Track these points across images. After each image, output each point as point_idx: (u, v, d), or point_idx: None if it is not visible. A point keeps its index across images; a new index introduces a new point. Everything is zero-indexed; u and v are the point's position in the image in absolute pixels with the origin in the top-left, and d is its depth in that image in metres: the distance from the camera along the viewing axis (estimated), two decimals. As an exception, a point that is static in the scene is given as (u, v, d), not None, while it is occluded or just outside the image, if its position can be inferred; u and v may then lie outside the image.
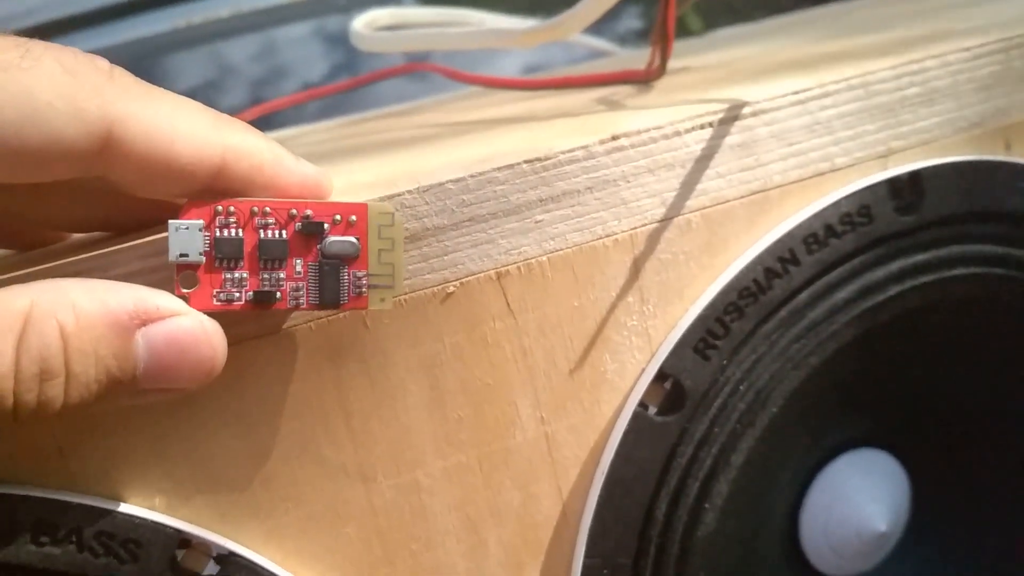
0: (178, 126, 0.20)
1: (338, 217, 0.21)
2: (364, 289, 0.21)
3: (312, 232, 0.21)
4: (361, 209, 0.21)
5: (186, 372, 0.19)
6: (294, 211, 0.21)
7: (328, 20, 1.09)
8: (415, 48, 0.40)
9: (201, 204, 0.20)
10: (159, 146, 0.19)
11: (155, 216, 0.23)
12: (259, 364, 0.23)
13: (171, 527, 0.22)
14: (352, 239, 0.21)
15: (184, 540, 0.22)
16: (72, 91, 0.18)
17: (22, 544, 0.21)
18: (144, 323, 0.19)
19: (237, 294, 0.21)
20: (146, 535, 0.22)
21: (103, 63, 0.19)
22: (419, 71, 0.53)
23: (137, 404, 0.20)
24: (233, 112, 0.23)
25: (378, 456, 0.24)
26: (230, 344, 0.22)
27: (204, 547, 0.23)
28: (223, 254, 0.20)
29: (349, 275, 0.21)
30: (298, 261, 0.21)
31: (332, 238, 0.21)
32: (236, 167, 0.20)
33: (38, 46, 0.19)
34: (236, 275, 0.21)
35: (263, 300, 0.21)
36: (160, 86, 0.20)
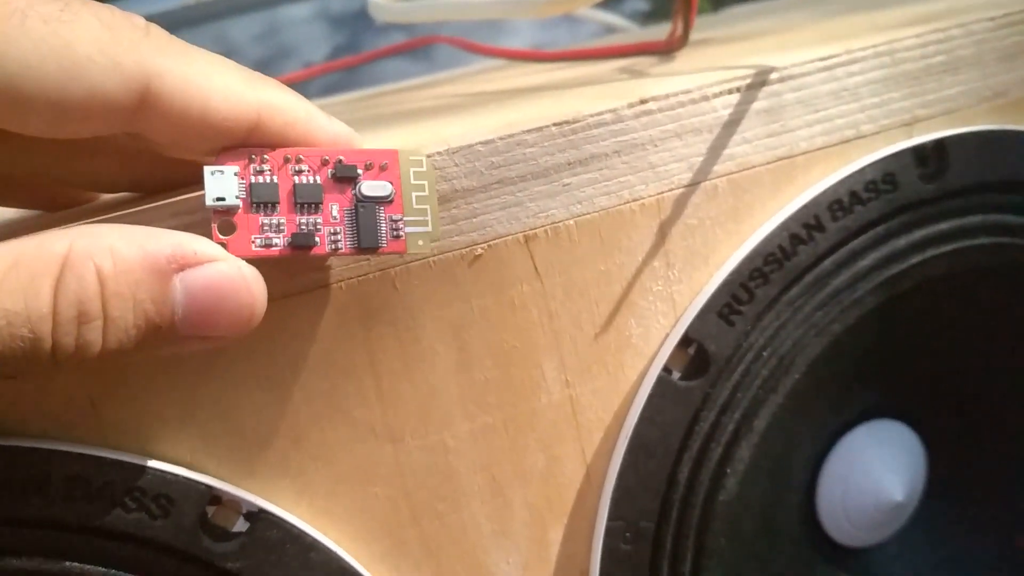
0: (214, 82, 0.20)
1: (370, 163, 0.21)
2: (402, 232, 0.21)
3: (346, 176, 0.21)
4: (392, 155, 0.21)
5: (225, 319, 0.19)
6: (326, 158, 0.21)
7: (332, 0, 1.08)
8: (432, 18, 0.40)
9: (235, 151, 0.20)
10: (195, 101, 0.19)
11: (186, 178, 0.23)
12: (290, 324, 0.23)
13: (202, 483, 0.22)
14: (386, 183, 0.21)
15: (215, 496, 0.23)
16: (111, 46, 0.18)
17: (55, 499, 0.21)
18: (182, 268, 0.19)
19: (275, 239, 0.21)
20: (177, 491, 0.22)
21: (139, 20, 0.19)
22: (432, 48, 0.53)
23: (177, 352, 0.20)
24: None
25: (406, 417, 0.24)
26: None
27: (234, 504, 0.23)
28: (259, 198, 0.20)
29: (386, 219, 0.21)
30: (334, 206, 0.21)
31: (367, 182, 0.21)
32: (270, 123, 0.20)
33: (76, 1, 0.19)
34: (273, 220, 0.21)
35: (302, 243, 0.21)
36: None
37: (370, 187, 0.21)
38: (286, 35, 1.05)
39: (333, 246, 0.21)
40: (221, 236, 0.20)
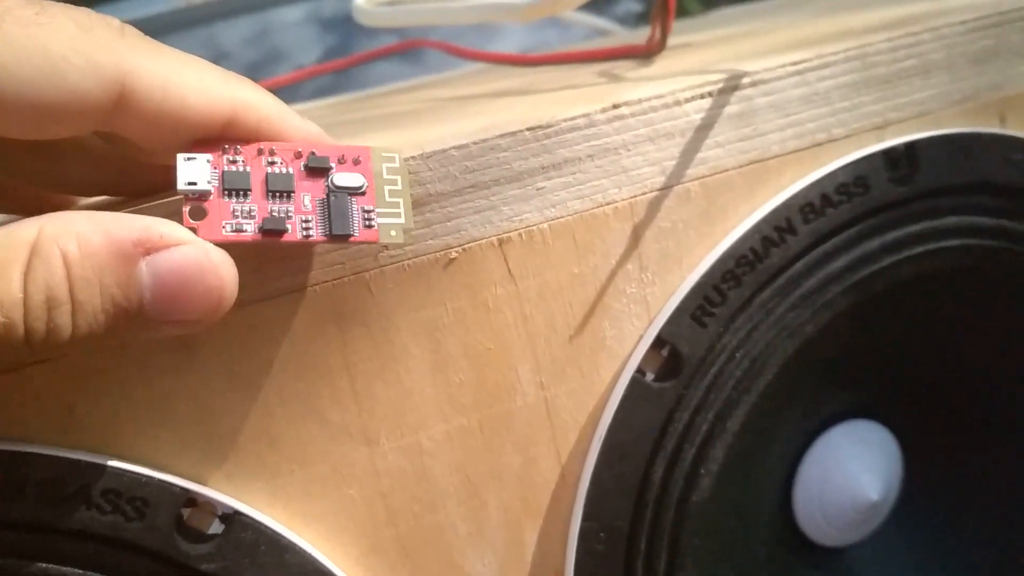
0: (189, 79, 0.20)
1: (343, 157, 0.22)
2: (374, 222, 0.22)
3: (318, 167, 0.21)
4: (365, 151, 0.22)
5: (194, 303, 0.19)
6: (300, 151, 0.21)
7: (322, 3, 1.09)
8: (417, 23, 0.40)
9: (208, 142, 0.21)
10: (171, 99, 0.20)
11: (163, 182, 0.23)
12: (266, 326, 0.23)
13: (178, 486, 0.23)
14: (359, 174, 0.22)
15: (190, 499, 0.23)
16: (87, 46, 0.19)
17: (30, 501, 0.21)
18: (148, 252, 0.19)
19: (247, 225, 0.21)
20: (153, 493, 0.22)
21: (114, 21, 0.20)
22: (420, 51, 0.53)
23: (149, 338, 0.20)
24: None
25: (381, 419, 0.24)
26: (237, 306, 0.22)
27: (210, 506, 0.23)
28: (231, 185, 0.21)
29: (358, 209, 0.21)
30: (306, 196, 0.21)
31: (339, 173, 0.21)
32: (244, 119, 0.21)
33: (51, 4, 0.19)
34: (245, 206, 0.21)
35: (272, 229, 0.21)
36: None
37: (343, 178, 0.21)
38: (277, 38, 1.05)
39: (305, 233, 0.21)
40: (192, 221, 0.20)
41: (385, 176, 0.22)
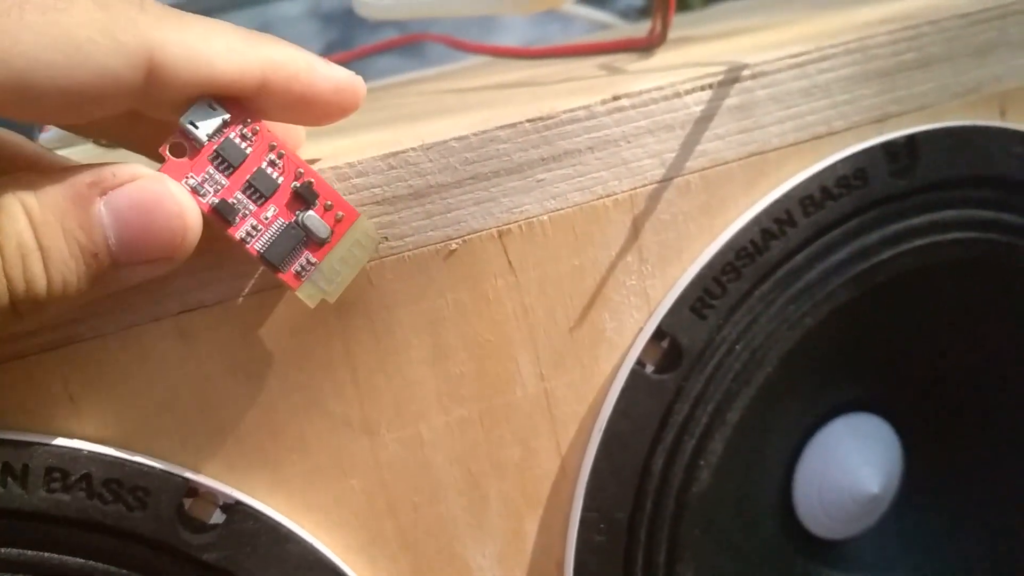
0: (215, 45, 0.20)
1: (330, 204, 0.22)
2: (306, 275, 0.22)
3: (304, 197, 0.21)
4: (353, 214, 0.22)
5: (157, 234, 0.19)
6: (301, 171, 0.21)
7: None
8: (417, 15, 0.40)
9: (238, 104, 0.21)
10: (200, 67, 0.20)
11: None
12: (267, 317, 0.23)
13: (179, 476, 0.23)
14: (328, 228, 0.22)
15: (192, 489, 0.23)
16: (109, 24, 0.19)
17: (33, 490, 0.22)
18: (104, 191, 0.19)
19: (207, 192, 0.21)
20: (155, 483, 0.22)
21: None
22: (421, 45, 0.53)
23: (125, 284, 0.20)
24: None
25: (382, 410, 0.25)
26: (238, 297, 0.22)
27: (211, 496, 0.23)
28: (223, 152, 0.21)
29: (304, 254, 0.22)
30: (273, 208, 0.21)
31: (313, 214, 0.21)
32: (275, 78, 0.21)
33: None
34: (218, 177, 0.21)
35: (223, 212, 0.21)
36: None
37: (313, 220, 0.21)
38: (277, 32, 1.05)
39: (245, 235, 0.21)
40: (168, 153, 0.20)
41: (350, 247, 0.22)
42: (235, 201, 0.21)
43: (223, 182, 0.21)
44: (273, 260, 0.21)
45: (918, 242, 0.28)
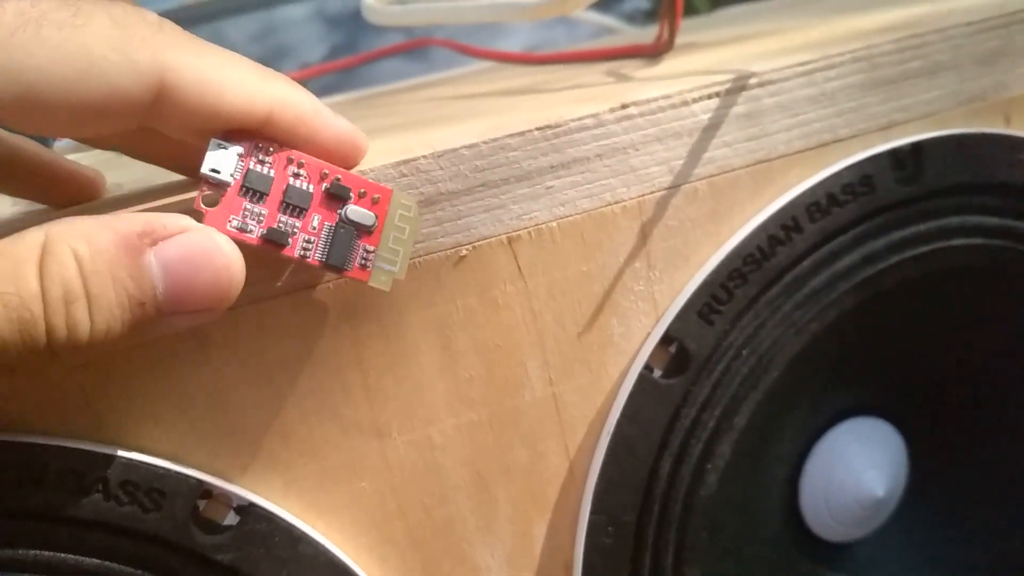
0: (228, 76, 0.20)
1: (364, 191, 0.22)
2: (370, 264, 0.22)
3: (338, 195, 0.22)
4: (387, 192, 0.22)
5: (204, 286, 0.20)
6: (326, 171, 0.22)
7: (328, 1, 1.09)
8: (426, 22, 0.41)
9: (244, 135, 0.21)
10: (209, 95, 0.20)
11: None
12: (280, 322, 0.23)
13: (194, 478, 0.23)
14: (372, 214, 0.22)
15: (206, 491, 0.23)
16: (124, 43, 0.19)
17: (50, 492, 0.22)
18: (155, 242, 0.19)
19: (252, 227, 0.21)
20: (169, 485, 0.23)
21: (151, 15, 0.20)
22: (427, 48, 0.53)
23: (168, 330, 0.20)
24: None
25: (392, 413, 0.25)
26: (251, 302, 0.22)
27: (225, 497, 0.23)
28: (251, 185, 0.21)
29: (359, 246, 0.22)
30: (316, 217, 0.22)
31: (354, 207, 0.22)
32: (281, 117, 0.21)
33: (87, 3, 0.19)
34: (256, 209, 0.21)
35: (274, 239, 0.21)
36: None
37: (356, 213, 0.22)
38: (283, 35, 1.06)
39: (303, 252, 0.22)
40: (203, 206, 0.21)
41: (396, 223, 0.22)
42: (280, 224, 0.21)
43: (263, 211, 0.21)
44: (336, 263, 0.22)
45: (923, 248, 0.28)
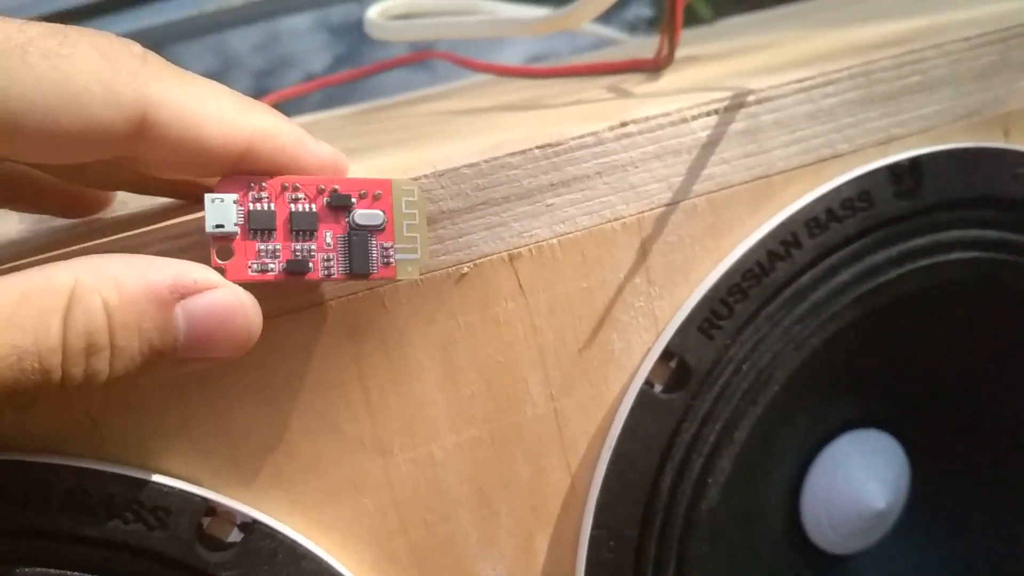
0: (208, 109, 0.20)
1: (364, 192, 0.22)
2: (392, 259, 0.22)
3: (340, 205, 0.22)
4: (385, 185, 0.22)
5: (224, 342, 0.20)
6: (322, 186, 0.22)
7: (332, 11, 1.09)
8: (429, 37, 0.41)
9: (234, 179, 0.21)
10: (190, 128, 0.20)
11: (185, 186, 0.24)
12: (283, 341, 0.24)
13: (198, 495, 0.23)
14: (379, 212, 0.22)
15: (210, 508, 0.23)
16: (108, 76, 0.19)
17: (56, 511, 0.22)
18: (183, 296, 0.20)
19: (271, 265, 0.21)
20: (174, 503, 0.23)
21: (136, 48, 0.20)
22: (430, 59, 0.53)
23: (177, 373, 0.21)
24: None
25: (395, 430, 0.25)
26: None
27: (229, 515, 0.24)
28: (256, 225, 0.21)
29: (377, 246, 0.22)
30: (328, 233, 0.22)
31: (360, 211, 0.22)
32: (261, 147, 0.21)
33: (74, 32, 0.19)
34: (269, 246, 0.21)
35: (296, 269, 0.22)
36: None
37: (363, 216, 0.22)
38: (286, 45, 1.06)
39: (326, 272, 0.22)
40: (219, 261, 0.21)
41: (404, 210, 0.22)
42: (297, 253, 0.22)
43: (276, 247, 0.22)
44: (360, 271, 0.22)
45: (923, 262, 0.28)
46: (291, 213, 0.22)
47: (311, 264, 0.22)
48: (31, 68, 0.18)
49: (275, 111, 0.22)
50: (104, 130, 0.19)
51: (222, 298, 0.20)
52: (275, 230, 0.22)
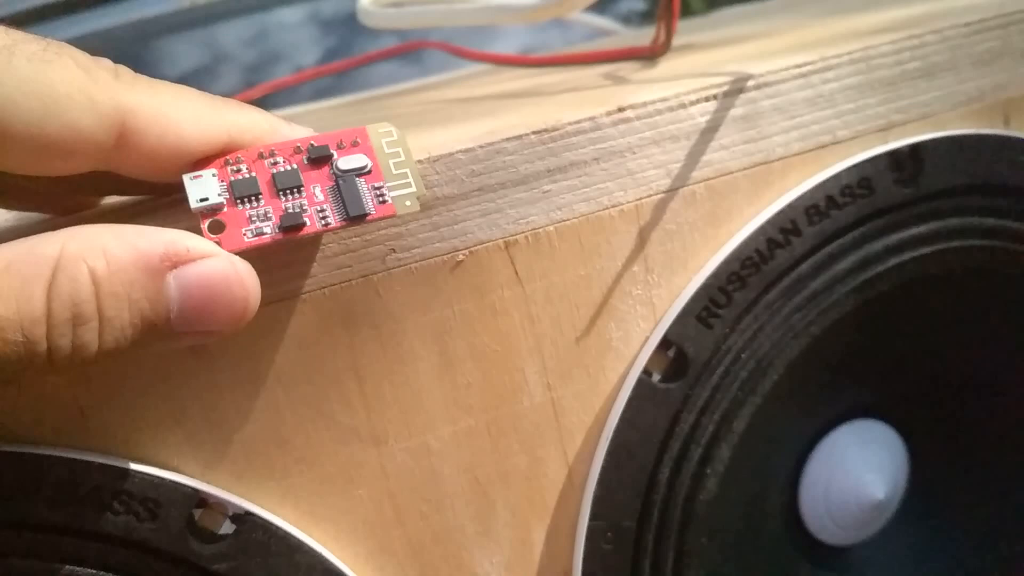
0: (183, 112, 0.20)
1: (341, 142, 0.22)
2: (387, 197, 0.22)
3: (320, 156, 0.22)
4: (361, 131, 0.22)
5: (219, 314, 0.20)
6: (299, 146, 0.22)
7: (322, 5, 1.09)
8: (422, 24, 0.41)
9: (208, 159, 0.21)
10: (168, 132, 0.20)
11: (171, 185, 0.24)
12: (276, 329, 0.23)
13: (189, 487, 0.23)
14: (361, 155, 0.22)
15: (201, 500, 0.23)
16: (88, 85, 0.19)
17: (45, 502, 0.22)
18: (175, 265, 0.19)
19: (265, 227, 0.21)
20: (165, 494, 0.23)
21: (107, 63, 0.20)
22: (420, 53, 0.53)
23: (172, 347, 0.20)
24: (229, 95, 0.23)
25: (389, 420, 0.25)
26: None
27: (221, 507, 0.23)
28: (241, 193, 0.21)
29: (368, 187, 0.22)
30: (315, 187, 0.21)
31: (342, 158, 0.22)
32: (240, 142, 0.21)
33: (53, 43, 0.19)
34: (259, 210, 0.21)
35: (291, 224, 0.21)
36: (155, 70, 0.21)
37: (346, 161, 0.22)
38: (277, 39, 1.05)
39: (323, 222, 0.21)
40: (212, 235, 0.21)
41: (387, 150, 0.22)
42: (288, 207, 0.21)
43: (266, 209, 0.21)
44: (358, 212, 0.21)
45: (922, 250, 0.28)
46: (273, 175, 0.21)
47: (306, 218, 0.21)
48: (16, 70, 0.18)
49: (248, 105, 0.22)
50: (85, 138, 0.19)
51: (217, 267, 0.20)
52: (261, 194, 0.21)
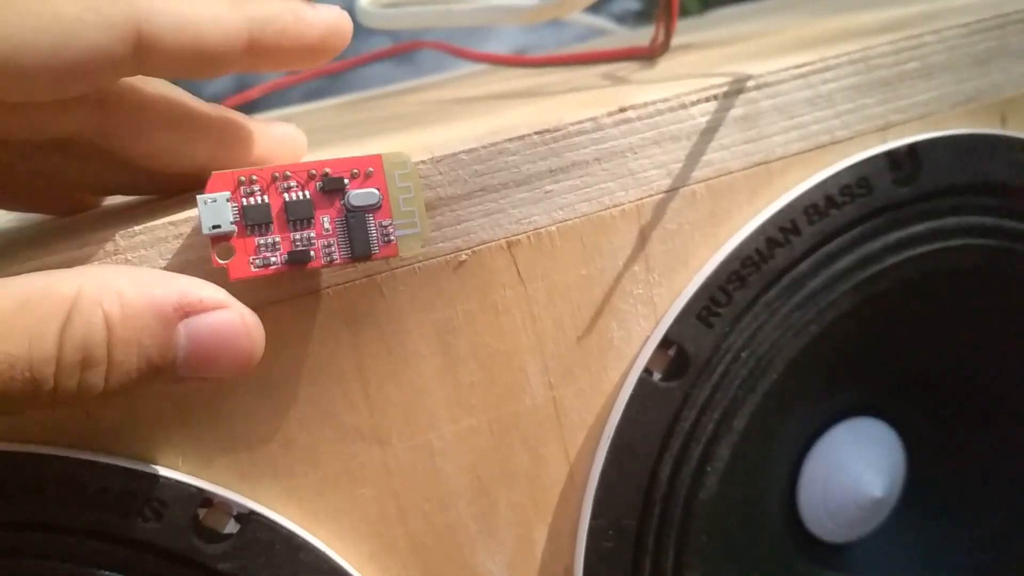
0: (200, 10, 0.20)
1: (356, 171, 0.22)
2: (392, 236, 0.22)
3: (333, 188, 0.22)
4: (376, 161, 0.22)
5: (224, 363, 0.20)
6: (313, 171, 0.22)
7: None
8: (420, 25, 0.41)
9: (224, 175, 0.21)
10: (187, 34, 0.20)
11: (173, 183, 0.24)
12: (280, 330, 0.23)
13: (194, 486, 0.23)
14: (373, 190, 0.22)
15: (206, 499, 0.23)
16: (97, 1, 0.19)
17: (50, 502, 0.22)
18: (188, 314, 0.19)
19: (272, 257, 0.21)
20: (169, 494, 0.23)
21: None
22: (416, 54, 0.53)
23: (173, 390, 0.20)
24: (224, 96, 0.23)
25: (393, 420, 0.25)
26: (252, 308, 0.22)
27: (225, 506, 0.23)
28: (252, 220, 0.21)
29: (376, 225, 0.22)
30: (325, 218, 0.22)
31: (354, 191, 0.22)
32: (262, 37, 0.21)
33: None
34: (268, 240, 0.21)
35: (298, 260, 0.21)
36: None
37: (358, 196, 0.22)
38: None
39: (328, 258, 0.22)
40: (220, 261, 0.21)
41: (398, 184, 0.22)
42: (297, 243, 0.21)
43: (275, 239, 0.21)
44: (362, 253, 0.22)
45: (921, 249, 0.28)
46: (285, 203, 0.21)
47: (312, 252, 0.21)
48: (19, 8, 0.18)
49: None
50: (102, 55, 0.19)
51: (227, 319, 0.20)
52: (272, 223, 0.21)
